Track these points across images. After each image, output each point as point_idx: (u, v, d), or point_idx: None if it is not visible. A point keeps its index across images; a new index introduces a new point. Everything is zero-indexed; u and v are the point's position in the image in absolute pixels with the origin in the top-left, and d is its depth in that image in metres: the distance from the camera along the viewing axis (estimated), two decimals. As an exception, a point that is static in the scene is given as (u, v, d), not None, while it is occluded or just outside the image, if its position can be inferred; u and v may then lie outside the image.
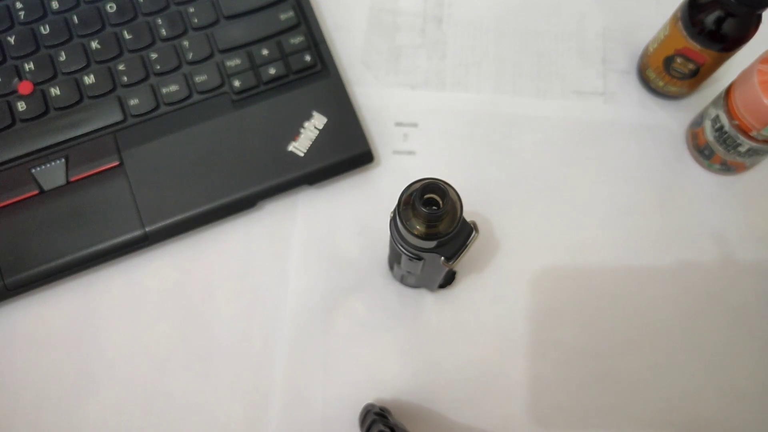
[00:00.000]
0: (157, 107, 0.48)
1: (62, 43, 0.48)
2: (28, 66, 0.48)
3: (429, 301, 0.47)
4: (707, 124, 0.47)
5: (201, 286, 0.47)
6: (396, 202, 0.35)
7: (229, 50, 0.49)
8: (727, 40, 0.43)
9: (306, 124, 0.48)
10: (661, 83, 0.50)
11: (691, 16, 0.44)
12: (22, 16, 0.48)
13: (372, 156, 0.48)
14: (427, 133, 0.51)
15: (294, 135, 0.48)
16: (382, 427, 0.38)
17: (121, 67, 0.48)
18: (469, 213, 0.36)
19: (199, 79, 0.48)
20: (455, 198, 0.35)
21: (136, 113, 0.48)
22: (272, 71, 0.49)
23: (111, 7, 0.49)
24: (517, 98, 0.52)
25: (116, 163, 0.47)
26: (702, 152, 0.49)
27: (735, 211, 0.49)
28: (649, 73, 0.50)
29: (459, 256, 0.36)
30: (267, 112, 0.48)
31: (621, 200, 0.49)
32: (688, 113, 0.51)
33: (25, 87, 0.47)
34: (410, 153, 0.50)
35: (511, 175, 0.50)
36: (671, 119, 0.51)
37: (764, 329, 0.47)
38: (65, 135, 0.47)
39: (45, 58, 0.48)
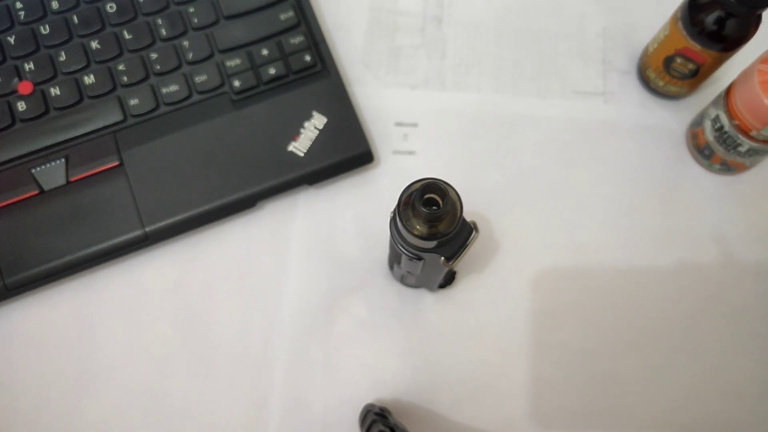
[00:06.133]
0: (157, 107, 0.48)
1: (62, 43, 0.48)
2: (28, 66, 0.48)
3: (429, 301, 0.47)
4: (707, 124, 0.47)
5: (201, 286, 0.47)
6: (396, 202, 0.35)
7: (229, 50, 0.49)
8: (727, 40, 0.43)
9: (306, 124, 0.48)
10: (661, 83, 0.50)
11: (691, 16, 0.44)
12: (22, 16, 0.48)
13: (372, 156, 0.48)
14: (427, 133, 0.51)
15: (294, 135, 0.48)
16: (382, 427, 0.38)
17: (121, 67, 0.48)
18: (469, 213, 0.36)
19: (199, 79, 0.48)
20: (455, 198, 0.35)
21: (136, 113, 0.48)
22: (272, 71, 0.49)
23: (111, 7, 0.49)
24: (517, 98, 0.52)
25: (116, 163, 0.47)
26: (702, 152, 0.49)
27: (735, 211, 0.49)
28: (649, 73, 0.50)
29: (459, 256, 0.36)
30: (267, 112, 0.48)
31: (621, 200, 0.49)
32: (688, 113, 0.51)
33: (25, 87, 0.47)
34: (410, 153, 0.50)
35: (511, 175, 0.50)
36: (671, 119, 0.51)
37: (764, 329, 0.47)
38: (65, 135, 0.47)
39: (45, 58, 0.48)
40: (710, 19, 0.43)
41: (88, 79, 0.48)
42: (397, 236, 0.37)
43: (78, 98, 0.48)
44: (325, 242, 0.48)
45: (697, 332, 0.47)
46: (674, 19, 0.46)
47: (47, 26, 0.48)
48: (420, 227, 0.35)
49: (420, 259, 0.37)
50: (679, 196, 0.49)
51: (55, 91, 0.48)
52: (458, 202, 0.35)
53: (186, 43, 0.49)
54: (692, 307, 0.47)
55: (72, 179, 0.46)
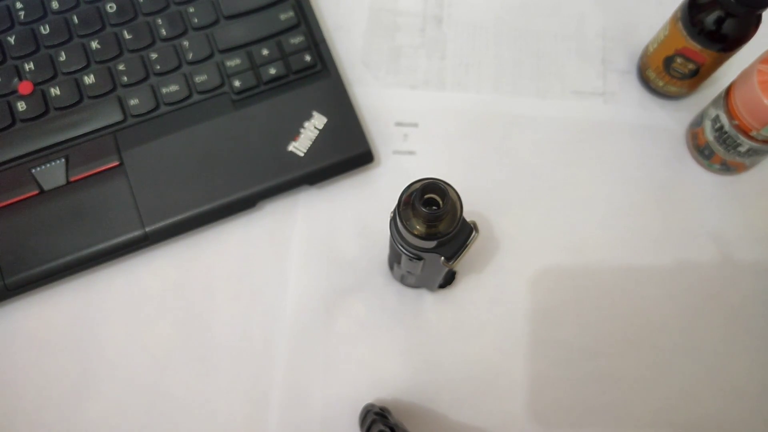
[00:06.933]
0: (157, 107, 0.48)
1: (62, 43, 0.48)
2: (28, 66, 0.48)
3: (429, 301, 0.47)
4: (707, 124, 0.47)
5: (201, 286, 0.47)
6: (396, 202, 0.35)
7: (229, 50, 0.49)
8: (727, 40, 0.43)
9: (306, 124, 0.48)
10: (661, 83, 0.50)
11: (691, 16, 0.44)
12: (22, 16, 0.48)
13: (372, 156, 0.48)
14: (427, 133, 0.51)
15: (294, 135, 0.48)
16: (382, 427, 0.38)
17: (121, 67, 0.48)
18: (469, 213, 0.36)
19: (199, 79, 0.48)
20: (455, 198, 0.35)
21: (136, 113, 0.48)
22: (272, 71, 0.49)
23: (111, 7, 0.49)
24: (517, 98, 0.52)
25: (116, 163, 0.47)
26: (702, 152, 0.49)
27: (735, 211, 0.49)
28: (649, 73, 0.50)
29: (459, 256, 0.36)
30: (267, 112, 0.48)
31: (621, 200, 0.49)
32: (688, 113, 0.51)
33: (25, 87, 0.47)
34: (410, 153, 0.50)
35: (511, 175, 0.50)
36: (671, 119, 0.51)
37: (763, 329, 0.47)
38: (65, 135, 0.47)
39: (45, 58, 0.48)
40: (710, 19, 0.43)
41: (88, 79, 0.48)
42: (397, 236, 0.37)
43: (78, 98, 0.48)
44: (325, 242, 0.48)
45: (695, 331, 0.47)
46: (674, 19, 0.46)
47: (47, 26, 0.48)
48: (420, 227, 0.35)
49: (420, 259, 0.37)
50: (679, 196, 0.49)
51: (55, 91, 0.48)
52: (458, 202, 0.35)
53: (186, 43, 0.49)
54: (691, 306, 0.47)
55: (72, 179, 0.46)
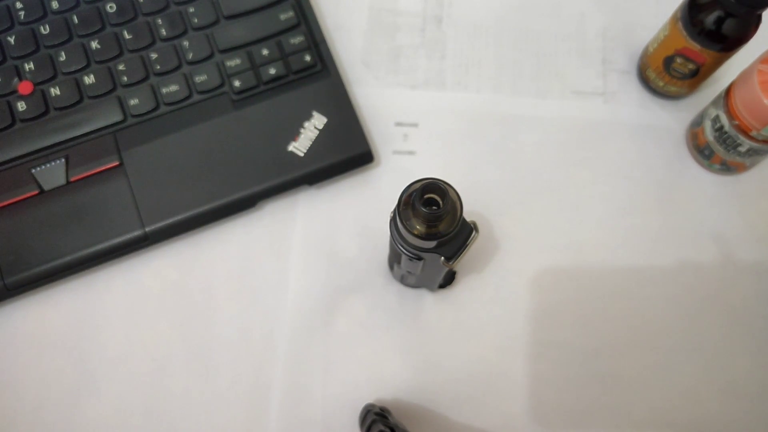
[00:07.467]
0: (157, 107, 0.48)
1: (62, 43, 0.48)
2: (28, 66, 0.48)
3: (429, 301, 0.47)
4: (707, 124, 0.47)
5: (201, 286, 0.47)
6: (396, 202, 0.35)
7: (229, 50, 0.49)
8: (727, 40, 0.43)
9: (306, 124, 0.48)
10: (661, 83, 0.50)
11: (691, 16, 0.44)
12: (22, 16, 0.48)
13: (372, 156, 0.48)
14: (427, 133, 0.51)
15: (294, 135, 0.48)
16: (382, 427, 0.38)
17: (121, 67, 0.48)
18: (469, 213, 0.36)
19: (199, 79, 0.48)
20: (455, 198, 0.35)
21: (136, 113, 0.48)
22: (272, 71, 0.49)
23: (111, 7, 0.49)
24: (516, 98, 0.52)
25: (116, 163, 0.47)
26: (702, 152, 0.49)
27: (735, 211, 0.49)
28: (649, 73, 0.50)
29: (459, 256, 0.36)
30: (267, 112, 0.48)
31: (621, 200, 0.49)
32: (688, 113, 0.51)
33: (25, 87, 0.47)
34: (410, 153, 0.50)
35: (511, 175, 0.50)
36: (671, 119, 0.51)
37: (763, 329, 0.47)
38: (65, 135, 0.47)
39: (45, 58, 0.48)
40: (710, 19, 0.43)
41: (88, 79, 0.48)
42: (397, 236, 0.37)
43: (78, 98, 0.48)
44: (325, 242, 0.48)
45: (696, 332, 0.47)
46: (674, 19, 0.46)
47: (47, 26, 0.48)
48: (420, 227, 0.35)
49: (420, 259, 0.37)
50: (679, 196, 0.49)
51: (55, 91, 0.48)
52: (458, 202, 0.35)
53: (186, 43, 0.49)
54: (691, 306, 0.47)
55: (72, 179, 0.46)
